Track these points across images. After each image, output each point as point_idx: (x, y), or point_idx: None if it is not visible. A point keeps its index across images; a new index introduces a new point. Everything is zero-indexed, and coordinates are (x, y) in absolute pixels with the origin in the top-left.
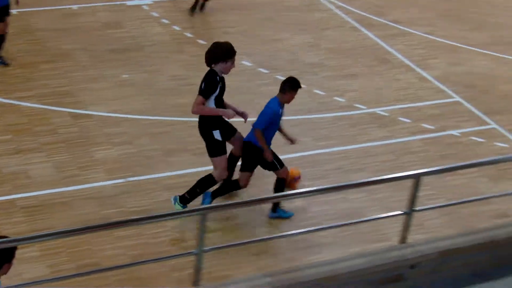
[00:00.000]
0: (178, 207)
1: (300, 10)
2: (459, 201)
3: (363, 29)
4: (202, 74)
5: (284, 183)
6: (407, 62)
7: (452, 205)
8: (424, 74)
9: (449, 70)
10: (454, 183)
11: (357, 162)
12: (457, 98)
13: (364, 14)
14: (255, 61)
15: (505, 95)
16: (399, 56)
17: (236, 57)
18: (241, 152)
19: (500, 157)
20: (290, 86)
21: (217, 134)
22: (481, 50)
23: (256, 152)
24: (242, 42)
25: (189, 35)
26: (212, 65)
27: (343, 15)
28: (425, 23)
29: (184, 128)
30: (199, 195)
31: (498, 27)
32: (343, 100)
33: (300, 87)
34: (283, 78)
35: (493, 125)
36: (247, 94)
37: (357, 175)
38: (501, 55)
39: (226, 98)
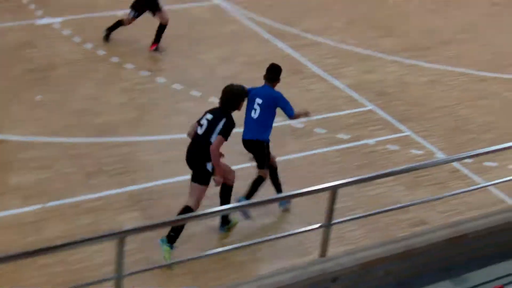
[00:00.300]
0: (166, 248)
1: (212, 24)
2: (377, 211)
3: (275, 40)
4: (117, 92)
5: (261, 182)
6: (319, 72)
7: (371, 215)
8: (337, 83)
9: (362, 78)
10: (371, 193)
11: None
12: (370, 107)
13: (276, 25)
14: (169, 77)
15: (418, 101)
16: (311, 66)
17: (150, 74)
18: (252, 151)
19: (415, 164)
20: (279, 72)
21: (209, 166)
22: (393, 57)
23: (258, 145)
24: (155, 58)
25: (102, 53)
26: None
27: (255, 27)
28: (336, 32)
29: (102, 148)
30: (181, 230)
31: (408, 33)
32: None
33: None
34: (198, 94)
35: (408, 132)
36: (162, 111)
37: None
38: (412, 62)
39: (145, 115)
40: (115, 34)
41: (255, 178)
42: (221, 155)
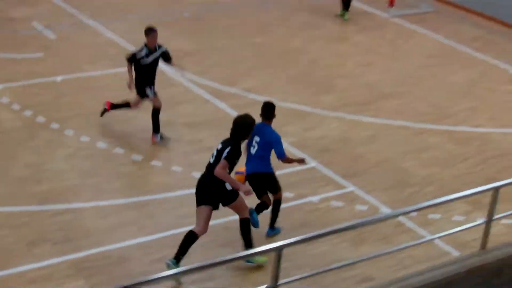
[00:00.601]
0: (173, 267)
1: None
2: (322, 269)
3: (216, 101)
4: (58, 159)
5: (280, 203)
6: None
7: (316, 275)
8: None
9: (304, 136)
10: (316, 252)
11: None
12: (314, 164)
13: (217, 85)
14: (110, 142)
15: (360, 156)
16: None
17: (91, 139)
18: (260, 183)
19: (360, 220)
20: (273, 110)
21: (228, 186)
22: (334, 113)
23: (264, 177)
24: (95, 123)
25: (41, 119)
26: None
27: (196, 88)
28: (277, 90)
29: (44, 216)
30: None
31: (348, 89)
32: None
33: None
34: (140, 158)
35: (351, 188)
36: (102, 176)
37: (225, 250)
38: (353, 117)
39: (87, 181)
40: (52, 99)
41: (273, 204)
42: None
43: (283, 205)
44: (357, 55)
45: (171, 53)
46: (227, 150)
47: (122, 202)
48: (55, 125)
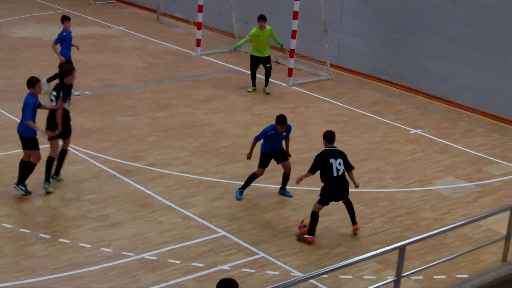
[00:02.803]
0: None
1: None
2: None
3: (121, 176)
4: None
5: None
6: (168, 203)
7: None
8: (187, 213)
9: (211, 206)
10: None
11: None
12: (223, 232)
13: (120, 161)
14: (15, 222)
15: (268, 222)
16: (160, 198)
17: None
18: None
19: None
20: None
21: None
22: (239, 182)
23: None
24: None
25: None
26: None
27: (99, 165)
28: (181, 162)
29: None
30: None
31: (252, 158)
32: (110, 250)
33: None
34: (47, 236)
35: (261, 254)
36: (8, 257)
37: None
38: (259, 185)
39: None
40: None
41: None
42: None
43: (194, 275)
44: (261, 124)
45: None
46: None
47: (29, 281)
48: None
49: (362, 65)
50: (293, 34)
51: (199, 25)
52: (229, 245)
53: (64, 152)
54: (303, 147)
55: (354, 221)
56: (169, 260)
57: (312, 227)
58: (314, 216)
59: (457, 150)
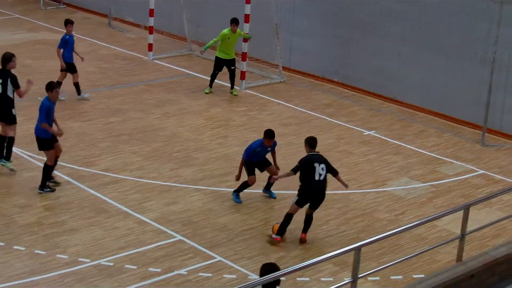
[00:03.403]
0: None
1: (7, 173)
2: None
3: (75, 182)
4: None
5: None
6: (124, 208)
7: None
8: (143, 218)
9: (167, 210)
10: None
11: None
12: (179, 237)
13: (74, 167)
14: None
15: (224, 226)
16: (115, 203)
17: None
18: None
19: None
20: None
21: None
22: (195, 186)
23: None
24: None
25: None
26: None
27: (54, 172)
28: (135, 167)
29: None
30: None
31: (206, 161)
32: (66, 256)
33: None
34: (1, 243)
35: (218, 258)
36: None
37: None
38: (214, 188)
39: None
40: None
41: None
42: None
43: (151, 280)
44: (213, 128)
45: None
46: None
47: None
48: None
49: (314, 67)
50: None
51: (150, 29)
52: (185, 249)
53: (3, 139)
54: None
55: (305, 231)
56: (126, 266)
57: (282, 227)
58: (288, 217)
59: (411, 151)
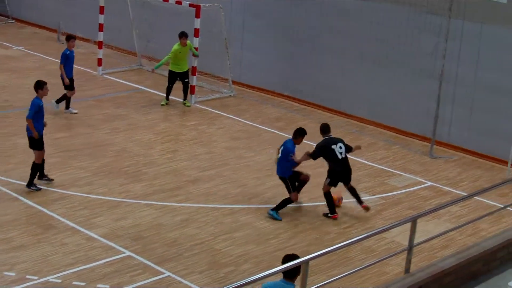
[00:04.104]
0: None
1: None
2: None
3: (23, 199)
4: None
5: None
6: (72, 224)
7: None
8: (91, 234)
9: (116, 226)
10: None
11: None
12: (128, 253)
13: (22, 183)
14: None
15: (174, 241)
16: (63, 220)
17: None
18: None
19: None
20: (297, 132)
21: None
22: (144, 201)
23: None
24: None
25: None
26: None
27: (0, 187)
28: (83, 183)
29: None
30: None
31: (156, 176)
32: (13, 274)
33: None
34: None
35: (167, 273)
36: None
37: None
38: (164, 203)
39: None
40: None
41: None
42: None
43: None
44: (163, 142)
45: None
46: None
47: None
48: None
49: (263, 81)
50: (196, 50)
51: (100, 44)
52: (134, 265)
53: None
54: (206, 165)
55: (360, 201)
56: (74, 282)
57: (330, 206)
58: (328, 195)
59: (360, 164)
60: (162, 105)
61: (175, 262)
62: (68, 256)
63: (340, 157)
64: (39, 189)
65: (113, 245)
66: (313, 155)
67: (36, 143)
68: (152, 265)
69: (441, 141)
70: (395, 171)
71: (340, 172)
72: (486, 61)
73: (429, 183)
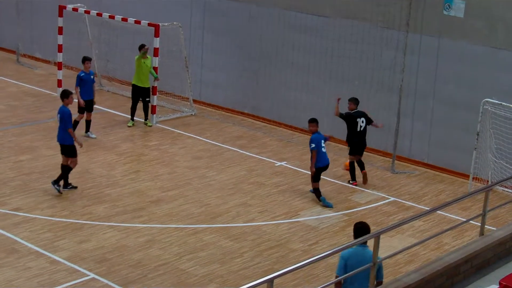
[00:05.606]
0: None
1: None
2: None
3: None
4: None
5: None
6: (35, 248)
7: None
8: (55, 257)
9: (79, 248)
10: None
11: None
12: (92, 275)
13: None
14: None
15: (138, 263)
16: (26, 243)
17: None
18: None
19: None
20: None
21: None
22: (108, 223)
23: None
24: None
25: None
26: None
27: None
28: (46, 206)
29: None
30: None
31: (119, 197)
32: None
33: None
34: None
35: None
36: None
37: None
38: (127, 225)
39: None
40: None
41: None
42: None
43: None
44: (125, 163)
45: None
46: None
47: None
48: None
49: (224, 100)
50: (155, 71)
51: (59, 65)
52: (99, 287)
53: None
54: (169, 185)
55: (363, 168)
56: None
57: (352, 174)
58: (351, 165)
59: (323, 181)
60: (129, 126)
61: (140, 284)
62: (32, 280)
63: (358, 129)
64: (61, 193)
65: (77, 267)
66: (343, 116)
67: (73, 151)
68: (117, 287)
69: (402, 156)
70: (357, 187)
71: (356, 142)
72: (444, 74)
73: (392, 199)
